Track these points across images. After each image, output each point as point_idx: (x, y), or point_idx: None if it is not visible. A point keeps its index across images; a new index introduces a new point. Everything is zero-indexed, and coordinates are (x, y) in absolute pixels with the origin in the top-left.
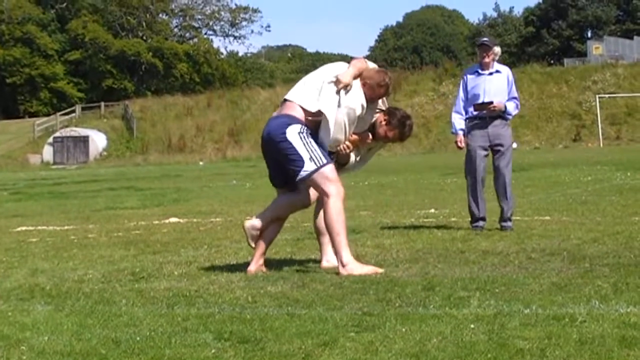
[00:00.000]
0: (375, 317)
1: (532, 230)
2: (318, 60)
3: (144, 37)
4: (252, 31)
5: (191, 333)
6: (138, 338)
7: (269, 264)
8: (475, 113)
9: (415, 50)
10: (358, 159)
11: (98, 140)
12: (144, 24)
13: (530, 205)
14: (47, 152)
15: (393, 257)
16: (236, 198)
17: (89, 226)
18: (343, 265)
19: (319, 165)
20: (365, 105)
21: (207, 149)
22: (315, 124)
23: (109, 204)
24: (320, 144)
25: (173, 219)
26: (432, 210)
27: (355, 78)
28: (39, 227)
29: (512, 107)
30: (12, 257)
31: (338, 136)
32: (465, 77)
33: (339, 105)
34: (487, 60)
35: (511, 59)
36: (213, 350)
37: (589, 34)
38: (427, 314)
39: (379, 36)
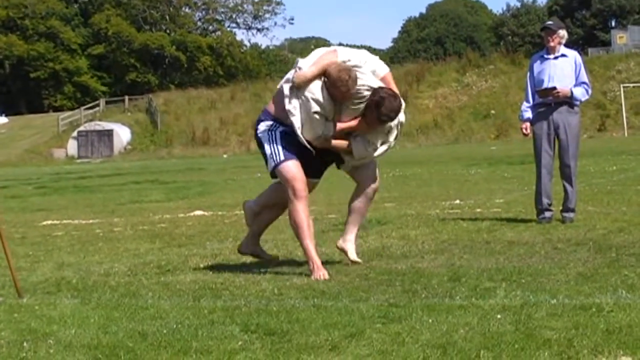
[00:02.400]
0: (401, 308)
1: (557, 221)
2: None
3: (168, 31)
4: (275, 23)
5: (218, 325)
6: (165, 331)
7: (294, 255)
8: (540, 99)
9: (439, 42)
10: (368, 146)
11: (122, 134)
12: (167, 17)
13: (556, 196)
14: (72, 146)
15: (418, 248)
16: (261, 190)
17: (114, 220)
18: (311, 271)
19: (276, 162)
20: (326, 99)
21: (231, 141)
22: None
23: (133, 198)
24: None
25: (198, 212)
26: (457, 202)
27: (318, 75)
28: (65, 221)
29: (579, 93)
30: (38, 251)
31: (310, 134)
32: (531, 64)
33: (300, 103)
34: (552, 44)
35: (535, 49)
36: (240, 343)
37: (613, 24)
38: (454, 304)
39: (402, 27)
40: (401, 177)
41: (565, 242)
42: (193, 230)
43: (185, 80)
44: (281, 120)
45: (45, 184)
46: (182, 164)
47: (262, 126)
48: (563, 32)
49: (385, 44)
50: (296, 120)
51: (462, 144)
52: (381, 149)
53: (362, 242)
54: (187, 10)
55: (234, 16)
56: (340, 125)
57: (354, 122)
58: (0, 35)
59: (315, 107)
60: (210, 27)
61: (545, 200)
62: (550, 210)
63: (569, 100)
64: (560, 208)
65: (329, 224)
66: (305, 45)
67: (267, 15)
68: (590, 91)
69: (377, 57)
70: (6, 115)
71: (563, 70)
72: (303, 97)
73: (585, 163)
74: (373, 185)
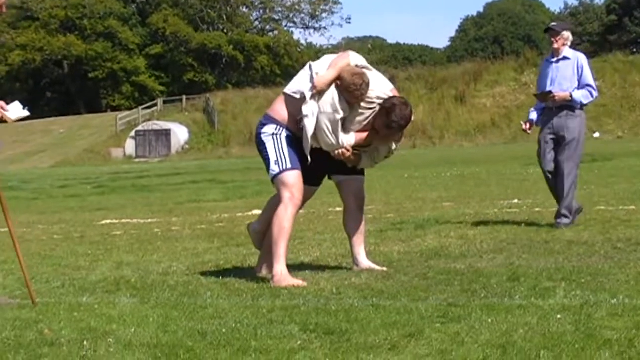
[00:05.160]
0: (460, 308)
1: (617, 220)
2: (398, 51)
3: (225, 30)
4: (333, 23)
5: (277, 325)
6: (224, 330)
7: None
8: (544, 104)
9: (496, 41)
10: (373, 158)
11: (180, 134)
12: (224, 17)
13: (615, 195)
14: (130, 146)
15: (477, 247)
16: (318, 190)
17: (172, 219)
18: (273, 277)
19: (281, 169)
20: (337, 105)
21: None
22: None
23: (191, 197)
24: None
25: (256, 212)
26: (516, 201)
27: (337, 78)
28: (123, 220)
29: (580, 95)
30: (97, 250)
31: (327, 141)
32: (540, 68)
33: (319, 110)
34: (556, 45)
35: (593, 47)
36: (299, 342)
37: None
38: (513, 304)
39: (459, 26)
40: (459, 176)
41: (625, 241)
42: None
43: (242, 80)
44: (286, 124)
45: (103, 184)
46: (239, 164)
47: (267, 129)
48: (567, 34)
49: (443, 43)
50: (310, 125)
51: (520, 143)
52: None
53: (421, 242)
54: (244, 9)
55: (291, 15)
56: (358, 136)
57: (366, 134)
58: (59, 36)
59: (340, 114)
60: (268, 27)
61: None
62: (567, 217)
63: (570, 104)
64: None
65: (387, 224)
66: (363, 45)
67: (324, 15)
68: (595, 93)
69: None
70: (64, 115)
71: (563, 73)
72: (324, 105)
73: None
74: (358, 202)
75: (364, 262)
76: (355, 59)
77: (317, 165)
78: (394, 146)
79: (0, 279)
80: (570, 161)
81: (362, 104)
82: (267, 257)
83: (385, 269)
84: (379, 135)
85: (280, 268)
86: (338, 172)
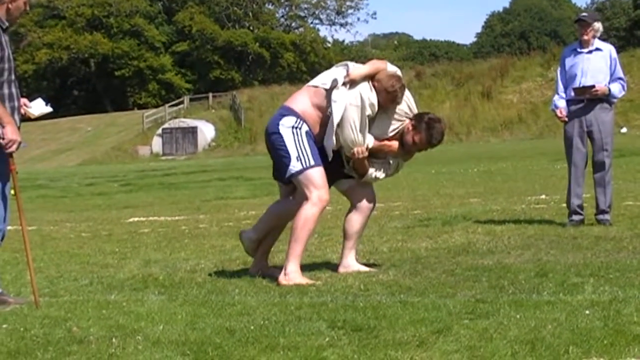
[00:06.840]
0: (488, 304)
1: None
2: (424, 47)
3: (251, 28)
4: (358, 19)
5: (305, 322)
6: (252, 327)
7: (380, 251)
8: (574, 96)
9: (523, 36)
10: (381, 171)
11: (206, 131)
12: (250, 14)
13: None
14: (156, 144)
15: (505, 243)
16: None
17: (199, 216)
18: (285, 274)
19: (305, 166)
20: (375, 103)
21: None
22: (322, 115)
23: (218, 194)
24: (326, 140)
25: None
26: (543, 197)
27: (368, 77)
28: (150, 218)
29: (616, 90)
30: (124, 248)
31: (351, 136)
32: (563, 57)
33: (349, 102)
34: (586, 37)
35: (620, 42)
36: (327, 339)
37: None
38: (541, 300)
39: (485, 22)
40: (486, 172)
41: None
42: None
43: (268, 77)
44: (305, 118)
45: (130, 181)
46: (266, 161)
47: (286, 121)
48: (598, 25)
49: (469, 38)
50: (338, 112)
51: (546, 138)
52: (380, 176)
53: (448, 238)
54: (270, 7)
55: (316, 12)
56: (379, 143)
57: (394, 144)
58: (85, 34)
59: (368, 110)
60: (293, 24)
61: (575, 202)
62: (579, 213)
63: (606, 98)
64: (594, 211)
65: (414, 220)
66: (389, 42)
67: (350, 11)
68: (625, 87)
69: None
70: (91, 113)
71: (597, 65)
72: (355, 98)
73: None
74: (371, 205)
75: (354, 264)
76: (391, 68)
77: (331, 164)
78: (404, 164)
79: (27, 277)
80: (609, 155)
81: (392, 116)
82: (261, 259)
83: (375, 270)
84: (403, 149)
85: (294, 267)
86: (344, 178)
